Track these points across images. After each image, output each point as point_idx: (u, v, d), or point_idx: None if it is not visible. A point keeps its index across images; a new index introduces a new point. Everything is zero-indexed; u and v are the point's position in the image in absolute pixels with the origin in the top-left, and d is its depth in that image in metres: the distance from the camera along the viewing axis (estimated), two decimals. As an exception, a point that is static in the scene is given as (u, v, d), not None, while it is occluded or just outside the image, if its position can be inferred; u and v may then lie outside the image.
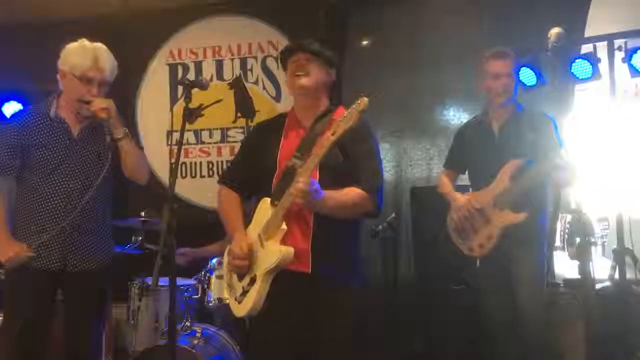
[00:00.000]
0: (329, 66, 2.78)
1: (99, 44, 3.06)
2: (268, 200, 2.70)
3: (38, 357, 3.00)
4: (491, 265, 3.53)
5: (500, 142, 3.53)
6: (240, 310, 2.71)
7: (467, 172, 3.78)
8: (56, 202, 3.00)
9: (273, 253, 2.58)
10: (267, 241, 2.63)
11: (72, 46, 3.04)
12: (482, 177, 3.57)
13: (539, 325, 3.39)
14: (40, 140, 3.02)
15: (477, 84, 3.61)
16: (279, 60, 2.86)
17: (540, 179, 3.35)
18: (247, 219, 2.82)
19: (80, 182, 3.02)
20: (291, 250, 2.58)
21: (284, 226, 2.59)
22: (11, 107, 4.82)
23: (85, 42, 3.05)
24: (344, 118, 2.42)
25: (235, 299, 2.75)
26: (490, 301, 3.55)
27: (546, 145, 3.34)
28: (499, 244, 3.42)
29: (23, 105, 4.68)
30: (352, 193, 2.64)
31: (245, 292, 2.69)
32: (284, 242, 2.59)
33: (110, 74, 3.05)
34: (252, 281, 2.66)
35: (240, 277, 2.73)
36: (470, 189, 3.73)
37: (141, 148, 3.23)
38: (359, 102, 2.42)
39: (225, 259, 2.88)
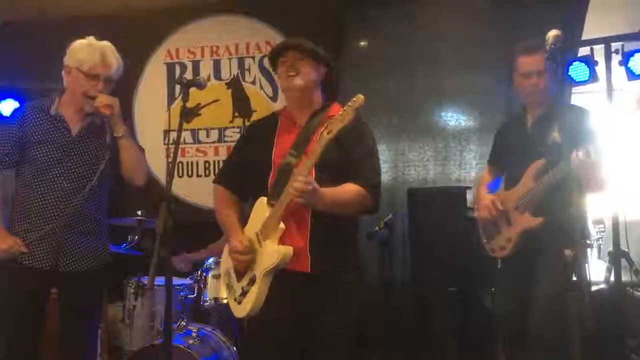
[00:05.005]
0: (320, 62, 2.76)
1: (106, 42, 3.08)
2: (264, 199, 2.68)
3: (30, 357, 2.96)
4: (509, 269, 3.39)
5: (532, 140, 3.33)
6: (240, 310, 2.70)
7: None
8: (49, 201, 2.97)
9: (272, 253, 2.58)
10: (265, 241, 2.62)
11: (79, 43, 3.06)
12: (513, 176, 3.38)
13: (552, 344, 3.13)
14: (38, 136, 3.00)
15: (511, 82, 3.40)
16: (269, 61, 2.82)
17: (562, 177, 3.05)
18: (245, 221, 2.81)
19: (75, 183, 2.99)
20: (290, 249, 2.58)
21: (282, 225, 2.58)
22: (8, 105, 4.82)
23: (92, 39, 3.07)
24: (340, 116, 2.41)
25: (235, 300, 2.74)
26: (500, 305, 3.46)
27: (572, 141, 3.02)
28: (520, 247, 3.28)
29: (20, 103, 4.67)
30: (350, 189, 2.63)
31: (244, 293, 2.68)
32: (282, 241, 2.59)
33: (116, 72, 3.06)
34: (252, 281, 2.66)
35: (239, 278, 2.73)
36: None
37: (142, 149, 3.21)
38: (354, 99, 2.40)
39: (223, 258, 2.88)
